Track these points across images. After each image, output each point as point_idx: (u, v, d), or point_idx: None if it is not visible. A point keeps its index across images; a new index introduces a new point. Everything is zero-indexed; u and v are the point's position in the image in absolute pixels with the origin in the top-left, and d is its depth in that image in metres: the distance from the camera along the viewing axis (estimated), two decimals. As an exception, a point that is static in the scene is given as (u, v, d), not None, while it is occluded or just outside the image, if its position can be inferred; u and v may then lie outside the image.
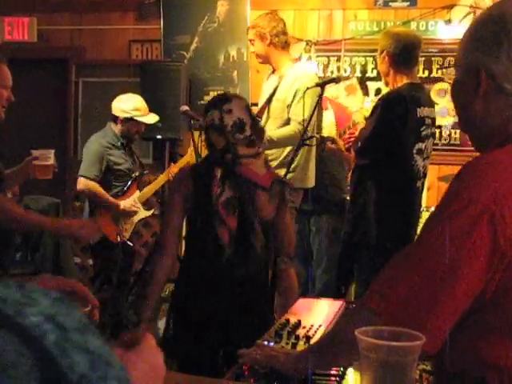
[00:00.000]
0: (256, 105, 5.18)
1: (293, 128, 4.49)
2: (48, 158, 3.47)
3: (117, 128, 5.22)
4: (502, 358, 1.45)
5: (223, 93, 3.57)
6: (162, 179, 5.45)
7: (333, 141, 4.77)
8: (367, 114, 4.75)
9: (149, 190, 5.42)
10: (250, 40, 4.79)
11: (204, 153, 6.19)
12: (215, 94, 6.51)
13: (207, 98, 6.57)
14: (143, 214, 5.43)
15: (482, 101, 1.55)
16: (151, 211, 5.56)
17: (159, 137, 6.08)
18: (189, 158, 5.49)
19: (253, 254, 2.97)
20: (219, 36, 6.55)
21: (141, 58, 6.85)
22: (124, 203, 5.20)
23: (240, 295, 2.95)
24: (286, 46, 4.76)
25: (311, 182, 4.77)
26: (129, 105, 5.23)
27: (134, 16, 6.87)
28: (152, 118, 5.35)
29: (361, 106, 5.07)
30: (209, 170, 2.95)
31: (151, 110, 5.71)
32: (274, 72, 4.85)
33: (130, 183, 5.26)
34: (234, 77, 6.55)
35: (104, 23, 6.93)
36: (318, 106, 5.16)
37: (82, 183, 5.12)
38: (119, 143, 5.21)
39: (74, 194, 6.13)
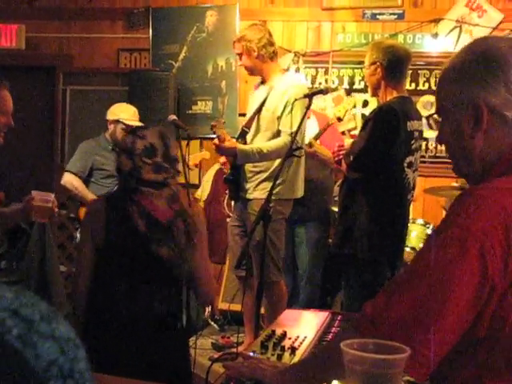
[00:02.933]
0: (244, 115, 5.20)
1: (283, 140, 4.47)
2: (48, 200, 3.47)
3: (108, 132, 5.46)
4: None
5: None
6: None
7: (310, 145, 4.77)
8: (348, 107, 4.76)
9: None
10: (237, 54, 4.77)
11: (191, 162, 6.21)
12: (204, 103, 6.54)
13: (195, 108, 6.59)
14: None
15: (483, 134, 1.56)
16: None
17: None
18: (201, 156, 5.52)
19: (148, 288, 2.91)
20: (208, 46, 6.57)
21: (129, 66, 6.86)
22: None
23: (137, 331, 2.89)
24: (274, 56, 4.73)
25: (300, 192, 4.77)
26: (118, 109, 5.45)
27: (123, 25, 6.87)
28: (138, 123, 5.42)
29: (345, 108, 5.07)
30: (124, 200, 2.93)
31: (139, 119, 5.73)
32: (263, 83, 4.83)
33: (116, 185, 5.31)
34: (222, 87, 6.56)
35: (93, 31, 6.93)
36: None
37: (64, 177, 5.41)
38: (110, 147, 5.36)
39: (60, 201, 6.12)
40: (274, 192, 4.35)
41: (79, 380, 0.71)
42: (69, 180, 5.36)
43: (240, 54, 4.72)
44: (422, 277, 1.46)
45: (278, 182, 4.35)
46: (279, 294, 4.68)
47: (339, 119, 4.79)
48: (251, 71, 4.78)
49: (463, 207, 1.48)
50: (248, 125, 4.75)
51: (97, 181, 5.42)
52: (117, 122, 5.37)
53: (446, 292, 1.42)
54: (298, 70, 6.23)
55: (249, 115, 4.82)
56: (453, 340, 1.44)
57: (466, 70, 1.58)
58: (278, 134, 4.57)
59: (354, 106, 4.75)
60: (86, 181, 5.42)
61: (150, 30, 6.71)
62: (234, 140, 4.68)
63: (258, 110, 4.69)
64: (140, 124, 5.43)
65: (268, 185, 4.44)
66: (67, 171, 5.43)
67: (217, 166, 5.59)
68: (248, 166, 4.65)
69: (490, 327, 1.43)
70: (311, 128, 5.13)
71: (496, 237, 1.40)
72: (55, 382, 0.68)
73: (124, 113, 5.43)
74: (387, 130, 3.97)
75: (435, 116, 1.64)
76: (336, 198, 4.82)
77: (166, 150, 2.93)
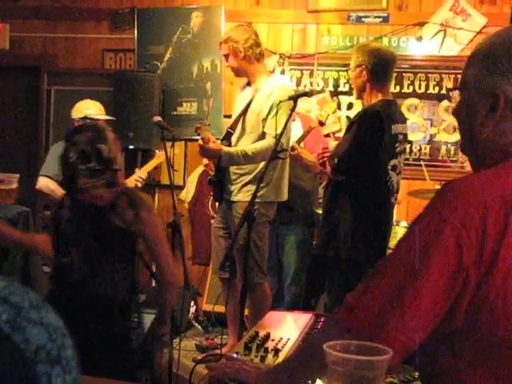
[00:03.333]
0: (229, 117, 5.20)
1: (268, 142, 4.46)
2: (11, 182, 3.47)
3: None
4: None
5: (80, 125, 3.71)
6: (128, 184, 5.42)
7: (292, 148, 4.78)
8: (330, 111, 4.77)
9: None
10: (224, 55, 4.77)
11: (176, 163, 6.20)
12: (189, 104, 6.54)
13: (180, 109, 6.58)
14: None
15: (493, 124, 1.56)
16: None
17: (131, 147, 6.06)
18: (157, 161, 5.48)
19: (101, 272, 3.06)
20: (193, 47, 6.56)
21: (114, 67, 6.84)
22: None
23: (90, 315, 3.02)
24: (260, 57, 4.73)
25: (285, 195, 4.77)
26: (83, 106, 5.44)
27: (108, 25, 6.85)
28: (105, 117, 5.44)
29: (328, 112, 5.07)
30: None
31: (124, 120, 5.74)
32: (249, 84, 4.83)
33: None
34: (207, 88, 6.56)
35: (77, 31, 6.91)
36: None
37: (39, 181, 5.22)
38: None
39: (44, 203, 6.09)
40: (259, 194, 4.36)
41: (66, 367, 0.74)
42: (44, 183, 5.19)
43: (226, 55, 4.71)
44: (399, 263, 1.48)
45: (262, 184, 4.36)
46: (263, 296, 4.69)
47: (321, 123, 4.80)
48: (237, 72, 4.78)
49: (442, 198, 1.50)
50: (233, 126, 4.75)
51: None
52: (83, 119, 5.32)
53: (421, 279, 1.43)
54: (283, 71, 6.25)
55: (234, 117, 4.82)
56: (427, 328, 1.45)
57: (495, 56, 1.56)
58: (262, 136, 4.57)
59: (335, 112, 4.75)
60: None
61: (135, 31, 6.69)
62: (219, 142, 4.68)
63: (244, 112, 4.69)
64: (108, 118, 5.46)
65: (252, 187, 4.44)
66: (42, 175, 5.26)
67: (201, 168, 5.59)
68: (232, 168, 4.65)
69: (466, 318, 1.44)
70: (296, 130, 5.14)
71: (473, 228, 1.41)
72: (43, 366, 0.71)
73: (90, 109, 5.40)
74: (371, 133, 3.99)
75: (455, 92, 1.60)
76: (321, 200, 4.83)
77: (99, 154, 2.96)
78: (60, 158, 3.06)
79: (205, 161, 5.03)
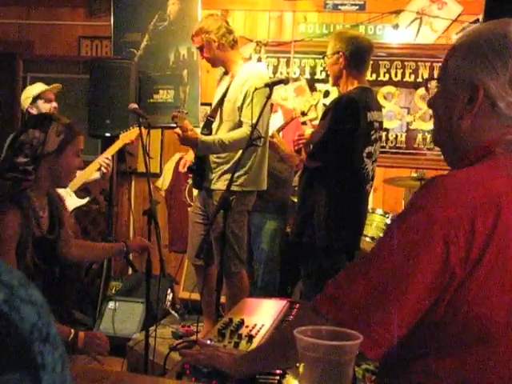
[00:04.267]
0: (206, 104, 5.20)
1: (244, 130, 4.46)
2: None
3: None
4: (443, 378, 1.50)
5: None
6: (92, 168, 5.35)
7: (272, 135, 4.79)
8: (313, 102, 4.78)
9: (80, 177, 5.29)
10: (198, 47, 4.75)
11: (152, 151, 6.19)
12: (165, 92, 6.51)
13: (157, 97, 6.56)
14: (78, 202, 5.38)
15: (471, 117, 1.57)
16: (85, 199, 5.51)
17: (108, 134, 6.03)
18: (121, 143, 5.43)
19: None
20: (170, 35, 6.54)
21: (90, 54, 6.80)
22: None
23: None
24: (234, 44, 4.72)
25: (264, 184, 4.77)
26: (27, 93, 5.47)
27: (85, 12, 6.81)
28: (50, 86, 5.52)
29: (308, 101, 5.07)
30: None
31: (100, 107, 5.71)
32: (226, 73, 4.83)
33: None
34: (183, 76, 6.54)
35: (53, 18, 6.85)
36: (267, 107, 5.21)
37: None
38: None
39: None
40: (238, 183, 4.37)
41: (53, 344, 0.74)
42: None
43: (200, 47, 4.70)
44: (385, 259, 1.48)
45: (240, 173, 4.37)
46: (241, 284, 4.70)
47: (303, 113, 4.80)
48: (213, 62, 4.77)
49: (431, 194, 1.50)
50: (213, 115, 4.76)
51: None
52: (34, 101, 5.35)
53: (408, 275, 1.44)
54: (259, 59, 6.24)
55: (213, 104, 4.83)
56: (410, 323, 1.47)
57: (479, 50, 1.57)
58: (239, 123, 4.57)
59: (318, 103, 4.75)
60: None
61: (112, 18, 6.65)
62: (198, 130, 4.69)
63: (221, 100, 4.69)
64: (54, 85, 5.47)
65: (230, 175, 4.46)
66: None
67: (178, 156, 5.58)
68: (212, 157, 4.65)
69: (445, 313, 1.46)
70: (277, 122, 5.15)
71: (461, 227, 1.42)
72: (37, 344, 0.72)
73: (33, 89, 5.44)
74: (347, 120, 4.00)
75: (433, 83, 1.62)
76: (296, 189, 4.84)
77: (15, 139, 2.89)
78: None
79: (181, 167, 5.06)
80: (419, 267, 1.43)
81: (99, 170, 5.35)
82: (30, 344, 0.71)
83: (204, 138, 4.56)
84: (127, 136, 5.41)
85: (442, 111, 1.66)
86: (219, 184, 4.61)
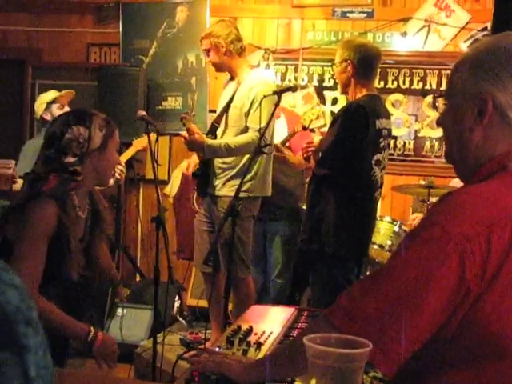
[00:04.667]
0: (214, 111, 5.21)
1: (250, 135, 4.49)
2: (8, 167, 3.40)
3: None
4: None
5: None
6: None
7: (277, 149, 4.80)
8: (313, 116, 4.78)
9: None
10: (205, 50, 4.76)
11: (161, 158, 6.20)
12: (173, 99, 6.53)
13: (165, 104, 6.58)
14: None
15: (482, 129, 1.58)
16: None
17: (116, 141, 6.05)
18: (134, 150, 5.45)
19: None
20: (178, 42, 6.56)
21: (99, 61, 6.82)
22: None
23: None
24: (242, 52, 4.74)
25: (269, 191, 4.79)
26: (38, 100, 5.47)
27: (93, 19, 6.84)
28: (64, 91, 5.50)
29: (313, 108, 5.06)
30: None
31: (108, 114, 5.68)
32: (232, 79, 4.85)
33: None
34: (192, 83, 6.55)
35: (62, 25, 6.88)
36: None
37: (18, 184, 5.09)
38: None
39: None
40: (244, 189, 4.37)
41: (35, 327, 0.76)
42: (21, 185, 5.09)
43: (207, 50, 4.71)
44: (401, 273, 1.47)
45: (246, 179, 4.37)
46: (247, 290, 4.70)
47: (304, 128, 4.79)
48: (219, 67, 4.78)
49: (448, 209, 1.50)
50: (218, 120, 4.77)
51: None
52: (48, 107, 5.35)
53: (423, 291, 1.43)
54: (267, 66, 6.25)
55: (219, 111, 4.84)
56: (424, 338, 1.46)
57: (485, 63, 1.58)
58: (245, 129, 4.59)
59: (318, 117, 4.74)
60: None
61: (120, 25, 6.68)
62: (204, 135, 4.70)
63: (227, 106, 4.70)
64: (67, 91, 5.47)
65: (236, 182, 4.46)
66: (20, 178, 5.14)
67: (186, 163, 5.58)
68: (217, 163, 4.66)
69: (459, 329, 1.45)
70: (281, 126, 5.15)
71: (477, 244, 1.41)
72: (21, 326, 0.74)
73: (47, 96, 5.43)
74: (355, 128, 4.00)
75: (440, 100, 1.64)
76: (305, 195, 4.84)
77: (61, 138, 2.71)
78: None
79: (183, 167, 5.06)
80: (434, 282, 1.42)
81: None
82: (15, 325, 0.72)
83: (210, 141, 4.57)
84: (140, 142, 5.42)
85: (451, 126, 1.66)
86: (224, 190, 4.62)
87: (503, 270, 1.42)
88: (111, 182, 5.38)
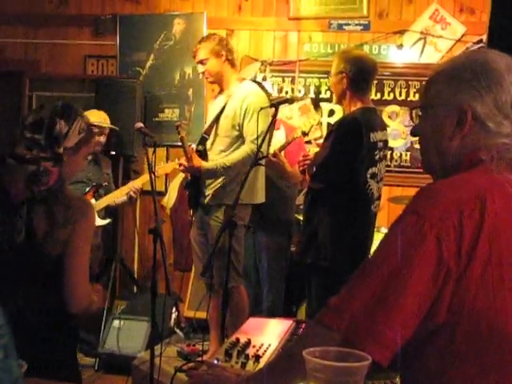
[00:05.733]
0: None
1: (245, 150, 4.56)
2: None
3: None
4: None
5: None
6: (118, 193, 5.49)
7: (274, 155, 4.81)
8: (314, 122, 4.80)
9: (105, 199, 5.50)
10: (201, 60, 4.79)
11: (158, 170, 6.20)
12: (171, 111, 6.55)
13: (162, 116, 6.60)
14: (100, 222, 5.41)
15: (461, 138, 1.64)
16: (107, 220, 5.57)
17: (113, 153, 6.06)
18: (162, 172, 5.55)
19: None
20: (175, 54, 6.58)
21: (96, 73, 6.83)
22: None
23: None
24: (235, 64, 4.87)
25: (260, 198, 4.81)
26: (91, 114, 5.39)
27: (90, 31, 6.85)
28: (107, 124, 5.56)
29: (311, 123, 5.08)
30: None
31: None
32: (220, 92, 4.90)
33: (86, 191, 5.33)
34: (189, 95, 6.57)
35: (60, 37, 6.89)
36: (272, 126, 5.24)
37: None
38: None
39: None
40: (230, 199, 4.43)
41: (1, 333, 0.75)
42: None
43: (204, 60, 4.74)
44: (382, 263, 1.53)
45: (235, 186, 4.43)
46: (240, 299, 4.71)
47: (304, 134, 4.81)
48: (215, 76, 4.80)
49: (420, 198, 1.57)
50: (208, 132, 4.82)
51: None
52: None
53: (406, 274, 1.48)
54: (264, 78, 6.27)
55: (208, 123, 4.88)
56: (413, 323, 1.49)
57: (462, 76, 1.65)
58: (236, 139, 4.66)
59: (319, 123, 4.77)
60: None
61: (118, 37, 6.70)
62: (194, 146, 4.76)
63: (217, 118, 4.74)
64: (111, 126, 5.52)
65: (229, 189, 4.60)
66: None
67: (183, 174, 5.59)
68: None
69: (449, 313, 1.48)
70: (279, 139, 5.17)
71: (451, 223, 1.48)
72: None
73: (93, 117, 5.41)
74: (349, 142, 4.00)
75: (414, 111, 1.73)
76: (301, 207, 4.84)
77: (52, 126, 2.60)
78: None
79: (183, 160, 5.05)
80: (415, 265, 1.47)
81: (127, 193, 5.45)
82: None
83: (207, 165, 4.63)
84: (163, 169, 5.49)
85: (430, 135, 1.72)
86: (216, 199, 4.67)
87: (479, 247, 1.47)
88: (124, 198, 5.50)
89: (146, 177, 5.52)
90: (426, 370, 1.55)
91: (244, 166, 4.47)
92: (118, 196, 5.52)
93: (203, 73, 4.85)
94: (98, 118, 5.51)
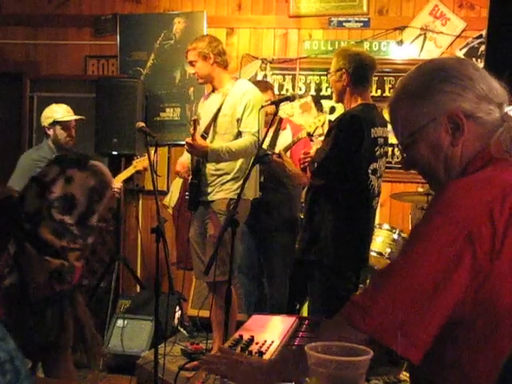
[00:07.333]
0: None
1: (248, 139, 4.59)
2: None
3: (50, 140, 5.31)
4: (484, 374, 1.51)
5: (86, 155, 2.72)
6: None
7: (279, 155, 4.82)
8: (319, 123, 4.81)
9: None
10: (191, 62, 4.81)
11: (160, 169, 6.21)
12: (172, 110, 6.55)
13: (163, 115, 6.60)
14: None
15: (462, 141, 1.65)
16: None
17: (115, 153, 6.07)
18: (132, 170, 5.49)
19: None
20: (175, 53, 6.58)
21: (97, 73, 6.84)
22: None
23: None
24: (227, 65, 4.87)
25: (253, 194, 4.81)
26: (50, 111, 5.41)
27: (91, 32, 6.86)
28: (73, 116, 5.47)
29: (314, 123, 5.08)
30: None
31: (107, 126, 5.75)
32: (213, 91, 4.90)
33: None
34: (190, 94, 6.58)
35: (60, 38, 6.90)
36: (277, 125, 5.25)
37: None
38: (53, 156, 5.26)
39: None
40: (234, 191, 4.45)
41: (5, 369, 0.76)
42: None
43: (193, 62, 4.77)
44: (416, 263, 1.51)
45: (234, 181, 4.45)
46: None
47: (309, 135, 4.82)
48: (205, 78, 4.83)
49: (446, 199, 1.55)
50: (206, 130, 4.81)
51: None
52: (53, 124, 5.34)
53: (439, 277, 1.47)
54: (265, 76, 6.28)
55: (204, 122, 4.86)
56: (443, 322, 1.50)
57: (429, 87, 1.66)
58: (237, 135, 4.68)
59: (324, 124, 4.77)
60: None
61: (118, 37, 6.71)
62: None
63: (215, 117, 4.75)
64: (77, 117, 5.45)
65: (232, 186, 4.64)
66: None
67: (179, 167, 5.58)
68: (210, 170, 4.73)
69: (473, 307, 1.49)
70: (286, 138, 5.18)
71: (483, 223, 1.47)
72: None
73: (57, 112, 5.40)
74: (350, 138, 4.00)
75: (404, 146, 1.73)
76: (303, 204, 4.85)
77: (87, 212, 2.34)
78: (37, 182, 2.36)
79: (179, 166, 5.05)
80: (450, 266, 1.47)
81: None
82: None
83: (213, 146, 4.62)
84: (140, 162, 5.46)
85: (431, 155, 1.70)
86: (219, 195, 4.68)
87: (506, 243, 1.47)
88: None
89: (125, 174, 5.49)
90: (441, 363, 1.56)
91: (246, 155, 4.53)
92: None
93: (194, 73, 4.88)
94: (60, 111, 5.44)
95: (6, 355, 0.78)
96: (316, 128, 4.80)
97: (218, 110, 4.75)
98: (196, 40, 4.88)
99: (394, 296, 1.50)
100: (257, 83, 5.15)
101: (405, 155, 1.78)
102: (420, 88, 1.68)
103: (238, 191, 4.10)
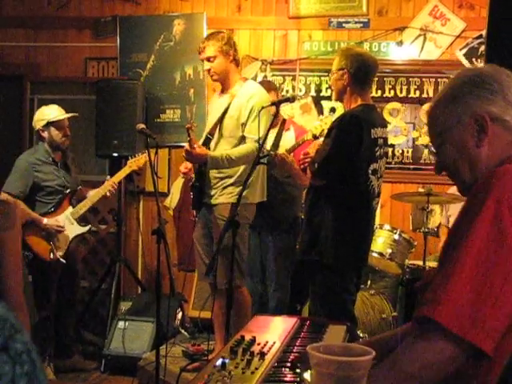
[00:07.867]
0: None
1: (250, 146, 4.54)
2: None
3: (45, 143, 5.33)
4: None
5: None
6: (96, 194, 5.43)
7: (284, 156, 4.82)
8: (325, 126, 4.81)
9: (83, 205, 5.40)
10: (209, 58, 4.70)
11: (160, 170, 6.22)
12: (172, 111, 6.56)
13: (164, 116, 6.61)
14: (78, 230, 5.40)
15: (488, 142, 1.71)
16: (87, 227, 5.51)
17: (115, 154, 6.07)
18: (128, 170, 5.48)
19: None
20: (175, 54, 6.59)
21: (97, 75, 6.84)
22: (47, 221, 5.17)
23: None
24: (239, 64, 4.85)
25: (261, 197, 4.80)
26: (42, 113, 5.38)
27: (91, 34, 6.86)
28: (66, 115, 5.43)
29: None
30: None
31: (107, 128, 5.74)
32: (222, 91, 4.86)
33: (61, 199, 5.26)
34: (190, 95, 6.58)
35: (60, 40, 6.91)
36: (281, 126, 5.24)
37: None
38: (50, 159, 5.27)
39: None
40: (234, 198, 4.43)
41: (15, 358, 0.77)
42: None
43: (211, 58, 4.67)
44: (476, 252, 1.53)
45: (238, 186, 4.42)
46: (242, 299, 4.71)
47: (315, 137, 4.82)
48: (221, 74, 4.73)
49: (491, 184, 1.59)
50: (211, 132, 4.78)
51: (41, 198, 5.25)
52: (47, 126, 5.31)
53: (506, 265, 1.50)
54: (265, 77, 6.28)
55: (210, 122, 4.85)
56: None
57: (461, 91, 1.75)
58: (242, 139, 4.63)
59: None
60: (30, 199, 5.21)
61: (118, 39, 6.71)
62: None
63: (221, 118, 4.72)
64: (70, 115, 5.43)
65: (234, 190, 4.58)
66: (5, 192, 5.10)
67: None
68: (213, 173, 4.69)
69: None
70: (289, 139, 5.18)
71: None
72: None
73: (49, 114, 5.37)
74: (350, 138, 4.00)
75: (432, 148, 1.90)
76: (303, 205, 4.85)
77: None
78: None
79: (183, 168, 5.00)
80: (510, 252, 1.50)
81: (109, 191, 5.39)
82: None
83: (213, 153, 4.59)
84: (135, 162, 5.45)
85: (458, 156, 1.77)
86: (222, 198, 4.66)
87: None
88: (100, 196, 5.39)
89: (120, 174, 5.48)
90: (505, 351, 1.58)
91: (247, 162, 4.47)
92: (95, 199, 5.43)
93: (208, 70, 4.76)
94: (52, 112, 5.39)
95: (24, 347, 0.79)
96: (322, 130, 4.80)
97: (225, 112, 4.72)
98: (212, 36, 4.78)
99: (461, 287, 1.52)
100: (260, 84, 5.13)
101: (436, 158, 1.86)
102: (453, 92, 1.77)
103: (239, 194, 4.10)
